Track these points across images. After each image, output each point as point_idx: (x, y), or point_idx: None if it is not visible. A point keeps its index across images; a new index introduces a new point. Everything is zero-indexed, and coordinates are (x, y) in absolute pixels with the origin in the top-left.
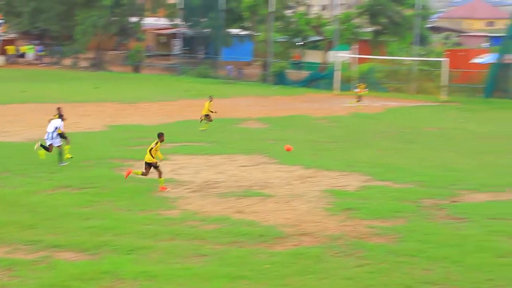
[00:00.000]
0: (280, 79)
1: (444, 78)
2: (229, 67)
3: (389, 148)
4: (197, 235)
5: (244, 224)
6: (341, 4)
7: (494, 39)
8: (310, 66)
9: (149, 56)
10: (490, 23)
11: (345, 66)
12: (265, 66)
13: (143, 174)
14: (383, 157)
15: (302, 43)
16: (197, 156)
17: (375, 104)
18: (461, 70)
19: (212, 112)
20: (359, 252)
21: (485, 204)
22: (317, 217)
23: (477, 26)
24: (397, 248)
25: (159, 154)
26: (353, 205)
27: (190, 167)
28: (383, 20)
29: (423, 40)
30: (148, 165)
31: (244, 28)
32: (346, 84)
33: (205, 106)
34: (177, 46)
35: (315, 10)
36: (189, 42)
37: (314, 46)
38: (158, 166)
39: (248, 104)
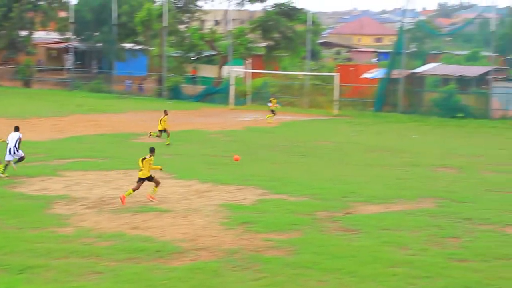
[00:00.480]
0: (176, 93)
1: (336, 93)
2: (128, 81)
3: (284, 161)
4: (92, 252)
5: (140, 240)
6: (234, 19)
7: (382, 55)
8: (205, 80)
9: (40, 71)
10: (378, 39)
11: (239, 80)
12: (160, 80)
13: (134, 190)
14: (279, 171)
15: (197, 57)
16: (91, 172)
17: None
18: (352, 84)
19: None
20: (256, 266)
21: (377, 215)
22: (214, 231)
23: (366, 42)
24: (293, 261)
25: (153, 166)
26: (249, 218)
27: (84, 183)
28: (276, 35)
29: (315, 55)
30: (142, 180)
31: (138, 43)
32: (241, 99)
33: (161, 121)
34: (69, 60)
35: (208, 25)
36: (81, 57)
37: (209, 60)
38: (153, 178)
39: (143, 119)
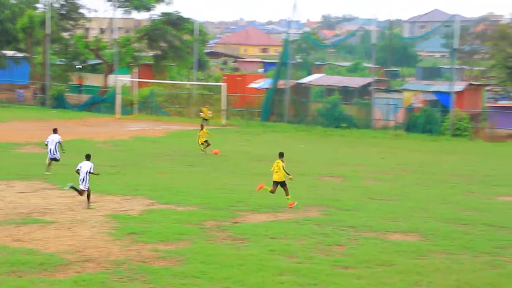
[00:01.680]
0: (60, 102)
1: (223, 102)
2: (19, 91)
3: (171, 171)
4: None
5: (23, 253)
6: (120, 28)
7: (269, 65)
8: (90, 89)
9: None
10: (265, 50)
11: (126, 89)
12: (43, 89)
13: (271, 191)
14: (166, 180)
15: (81, 66)
16: None
17: (157, 127)
18: (239, 94)
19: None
20: (143, 276)
21: (265, 224)
22: (101, 242)
23: (252, 52)
24: (181, 271)
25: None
26: (137, 229)
27: None
28: (163, 44)
29: (202, 65)
30: (277, 184)
31: (20, 50)
32: (128, 108)
33: (200, 136)
34: None
35: (93, 33)
36: None
37: (94, 69)
38: (286, 185)
39: (26, 128)
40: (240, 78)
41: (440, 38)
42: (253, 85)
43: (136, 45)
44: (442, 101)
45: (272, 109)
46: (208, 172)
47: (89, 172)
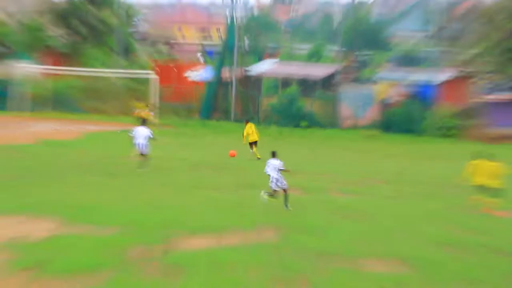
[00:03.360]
0: None
1: (154, 96)
2: None
3: (86, 183)
4: None
5: None
6: (26, 5)
7: (210, 51)
8: None
9: None
10: (204, 30)
11: (30, 80)
12: None
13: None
14: (79, 195)
15: None
16: None
17: (70, 127)
18: (173, 86)
19: None
20: None
21: (206, 250)
22: None
23: (189, 34)
24: None
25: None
26: (37, 261)
27: None
28: (78, 24)
29: (126, 50)
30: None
31: None
32: (32, 103)
33: (250, 131)
34: None
35: None
36: None
37: None
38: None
39: None
40: (175, 66)
41: (418, 17)
42: (190, 75)
43: (44, 25)
44: (423, 94)
45: (215, 105)
46: (133, 184)
47: (280, 169)
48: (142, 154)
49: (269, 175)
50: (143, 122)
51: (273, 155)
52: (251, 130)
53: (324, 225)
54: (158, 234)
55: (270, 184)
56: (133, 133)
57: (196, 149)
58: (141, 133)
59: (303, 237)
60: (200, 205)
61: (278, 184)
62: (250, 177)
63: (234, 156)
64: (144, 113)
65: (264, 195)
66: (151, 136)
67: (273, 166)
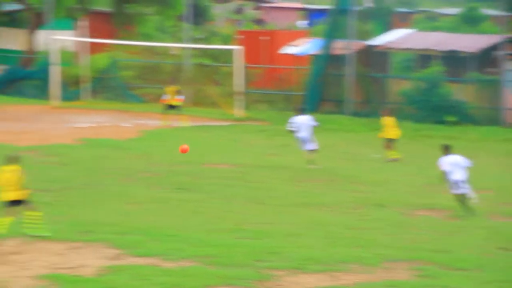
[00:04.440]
0: None
1: (238, 80)
2: None
3: (149, 199)
4: None
5: None
6: None
7: (314, 14)
8: (5, 56)
9: None
10: None
11: (68, 57)
12: None
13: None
14: (141, 216)
15: None
16: None
17: (123, 123)
18: (265, 66)
19: None
20: None
21: None
22: None
23: None
24: None
25: None
26: None
27: None
28: None
29: (200, 15)
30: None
31: None
32: (72, 89)
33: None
34: None
35: None
36: None
37: (11, 21)
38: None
39: None
40: (267, 38)
41: None
42: (289, 49)
43: None
44: None
45: (323, 91)
46: (213, 200)
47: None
48: (310, 150)
49: (454, 180)
50: (171, 108)
51: (448, 149)
52: (391, 125)
53: (478, 261)
54: (249, 268)
55: (455, 190)
56: (294, 125)
57: (297, 153)
58: (304, 123)
59: (448, 277)
60: (305, 229)
61: (462, 186)
62: (374, 190)
63: (186, 152)
64: (174, 99)
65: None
66: (316, 124)
67: (456, 163)
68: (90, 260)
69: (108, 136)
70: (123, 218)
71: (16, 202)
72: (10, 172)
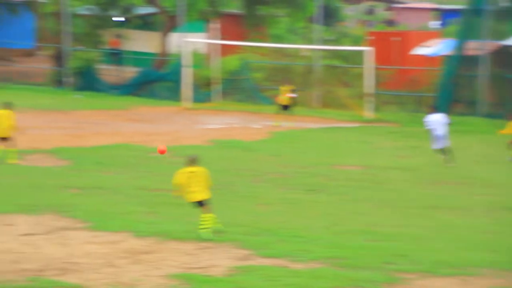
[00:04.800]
0: (88, 80)
1: (369, 82)
2: None
3: (279, 200)
4: None
5: None
6: None
7: (448, 15)
8: (139, 58)
9: None
10: None
11: (200, 59)
12: (58, 58)
13: None
14: (270, 217)
15: (124, 19)
16: None
17: (253, 125)
18: (396, 67)
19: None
20: None
21: None
22: None
23: None
24: None
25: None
26: None
27: None
28: None
29: (331, 16)
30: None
31: None
32: (203, 91)
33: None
34: None
35: None
36: None
37: (145, 24)
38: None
39: (33, 125)
40: (399, 39)
41: None
42: (420, 50)
43: None
44: None
45: (455, 93)
46: (342, 202)
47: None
48: (444, 148)
49: None
50: (285, 108)
51: (434, 109)
52: None
53: None
54: (378, 271)
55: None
56: (429, 123)
57: (428, 154)
58: (439, 122)
59: None
60: (436, 233)
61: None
62: (509, 194)
63: (164, 153)
64: (286, 97)
65: None
66: (450, 121)
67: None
68: (220, 260)
69: (238, 137)
70: (252, 219)
71: (201, 203)
72: (198, 173)
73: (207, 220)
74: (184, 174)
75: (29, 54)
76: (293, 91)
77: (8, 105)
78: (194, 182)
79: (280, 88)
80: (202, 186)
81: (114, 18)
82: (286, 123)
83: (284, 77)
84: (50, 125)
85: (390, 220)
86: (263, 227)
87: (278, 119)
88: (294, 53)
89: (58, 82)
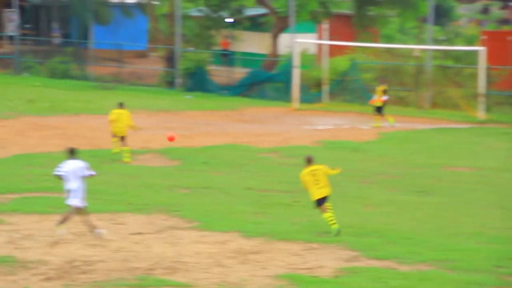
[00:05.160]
0: (198, 81)
1: (481, 82)
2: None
3: (387, 202)
4: None
5: None
6: None
7: None
8: (249, 59)
9: None
10: None
11: (309, 60)
12: (170, 59)
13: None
14: (378, 218)
15: (234, 20)
16: (53, 216)
17: (362, 126)
18: (510, 67)
19: None
20: None
21: None
22: None
23: None
24: None
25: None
26: None
27: (41, 236)
28: None
29: (442, 16)
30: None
31: None
32: (312, 92)
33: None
34: (12, 21)
35: None
36: (34, 16)
37: (255, 25)
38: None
39: (144, 125)
40: None
41: None
42: None
43: None
44: None
45: None
46: (452, 204)
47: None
48: None
49: None
50: (378, 110)
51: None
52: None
53: None
54: (490, 274)
55: None
56: None
57: None
58: None
59: None
60: None
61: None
62: None
63: (172, 140)
64: (379, 100)
65: None
66: None
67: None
68: (327, 261)
69: (347, 138)
70: (360, 220)
71: (326, 198)
72: (319, 170)
73: (331, 216)
74: (307, 174)
75: (141, 55)
76: (385, 92)
77: (122, 105)
78: (320, 179)
79: (376, 89)
80: (325, 182)
81: (224, 20)
82: (388, 124)
83: (396, 78)
84: (160, 126)
85: (501, 223)
86: (371, 229)
87: (377, 120)
88: (405, 54)
89: (169, 83)
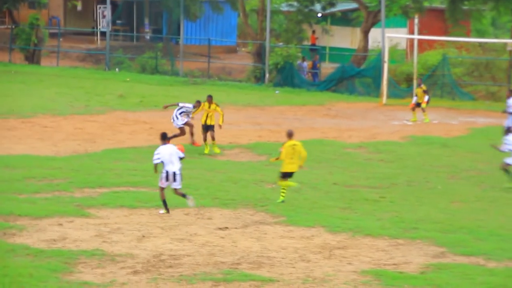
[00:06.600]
0: (286, 77)
1: None
2: (302, 63)
3: (476, 198)
4: None
5: None
6: None
7: None
8: (337, 54)
9: (54, 35)
10: None
11: (398, 55)
12: (259, 55)
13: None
14: (466, 214)
15: (321, 14)
16: (141, 210)
17: (451, 121)
18: None
19: None
20: None
21: None
22: None
23: None
24: None
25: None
26: None
27: (129, 229)
28: None
29: None
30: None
31: None
32: (401, 87)
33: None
34: (104, 18)
35: None
36: (125, 12)
37: (344, 20)
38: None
39: (232, 121)
40: None
41: None
42: None
43: None
44: None
45: None
46: None
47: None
48: None
49: None
50: (418, 105)
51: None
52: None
53: None
54: None
55: None
56: None
57: None
58: None
59: None
60: None
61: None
62: None
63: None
64: (422, 101)
65: None
66: None
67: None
68: (413, 257)
69: (435, 133)
70: (447, 216)
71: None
72: (298, 146)
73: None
74: (289, 147)
75: (231, 50)
76: (425, 92)
77: (210, 98)
78: (295, 154)
79: (416, 90)
80: (297, 159)
81: (316, 14)
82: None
83: (488, 72)
84: (247, 121)
85: None
86: (458, 225)
87: (425, 115)
88: (498, 48)
89: (258, 78)
